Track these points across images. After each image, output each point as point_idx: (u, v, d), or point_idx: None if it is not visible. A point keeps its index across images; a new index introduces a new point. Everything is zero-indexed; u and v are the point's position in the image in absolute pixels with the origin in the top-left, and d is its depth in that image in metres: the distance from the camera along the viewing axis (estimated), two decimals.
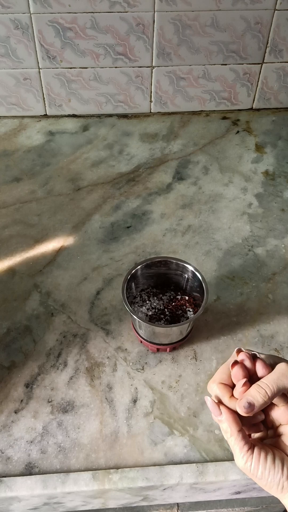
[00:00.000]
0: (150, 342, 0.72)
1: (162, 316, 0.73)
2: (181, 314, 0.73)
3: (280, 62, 1.08)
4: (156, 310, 0.74)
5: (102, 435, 0.67)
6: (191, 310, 0.74)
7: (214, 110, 1.16)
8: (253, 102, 1.15)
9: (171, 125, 1.13)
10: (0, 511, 0.68)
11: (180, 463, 0.65)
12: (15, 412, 0.69)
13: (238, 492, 0.70)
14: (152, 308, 0.74)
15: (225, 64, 1.07)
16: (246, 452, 0.47)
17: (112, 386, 0.71)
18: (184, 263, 0.73)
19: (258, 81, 1.11)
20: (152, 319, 0.73)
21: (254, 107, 1.16)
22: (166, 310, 0.74)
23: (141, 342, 0.74)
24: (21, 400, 0.70)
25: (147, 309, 0.74)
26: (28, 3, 0.93)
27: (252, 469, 0.47)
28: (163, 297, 0.76)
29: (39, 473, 0.64)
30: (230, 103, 1.15)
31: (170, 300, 0.75)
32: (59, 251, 0.88)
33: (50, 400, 0.70)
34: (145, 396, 0.70)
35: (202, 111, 1.16)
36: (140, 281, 0.75)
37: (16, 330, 0.77)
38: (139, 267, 0.73)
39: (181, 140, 1.09)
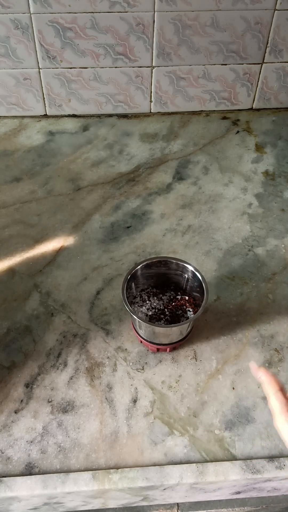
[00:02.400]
0: (150, 342, 0.72)
1: (162, 316, 0.73)
2: (181, 314, 0.73)
3: (280, 62, 1.08)
4: (156, 310, 0.74)
5: (102, 435, 0.67)
6: (191, 310, 0.74)
7: (214, 110, 1.16)
8: (253, 102, 1.15)
9: (171, 125, 1.13)
10: (0, 511, 0.68)
11: (180, 463, 0.65)
12: (15, 412, 0.69)
13: (238, 492, 0.70)
14: (152, 308, 0.74)
15: (225, 64, 1.07)
16: (286, 412, 0.46)
17: (112, 386, 0.71)
18: (184, 263, 0.73)
19: (258, 81, 1.11)
20: (152, 319, 0.73)
21: (254, 107, 1.16)
22: (166, 310, 0.74)
23: (141, 342, 0.74)
24: (21, 400, 0.70)
25: (147, 309, 0.74)
26: (28, 3, 0.93)
27: None
28: (163, 297, 0.76)
29: (39, 473, 0.64)
30: (230, 103, 1.15)
31: (170, 300, 0.75)
32: (59, 251, 0.88)
33: (50, 400, 0.70)
34: (145, 396, 0.70)
35: (202, 111, 1.16)
36: (140, 281, 0.75)
37: (16, 330, 0.77)
38: (139, 267, 0.73)
39: (181, 140, 1.09)
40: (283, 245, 0.89)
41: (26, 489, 0.62)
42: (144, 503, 0.72)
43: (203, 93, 1.12)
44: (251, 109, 1.16)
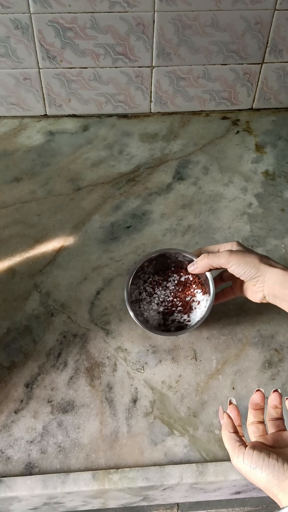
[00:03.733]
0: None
1: (174, 308, 0.72)
2: (191, 300, 0.72)
3: (280, 62, 1.08)
4: (167, 303, 0.73)
5: (102, 435, 0.67)
6: (199, 291, 0.73)
7: (214, 110, 1.16)
8: (253, 102, 1.15)
9: (171, 125, 1.13)
10: (0, 511, 0.68)
11: (180, 463, 0.65)
12: (15, 412, 0.69)
13: (238, 492, 0.70)
14: (162, 302, 0.73)
15: (225, 64, 1.07)
16: (239, 448, 0.52)
17: (112, 386, 0.71)
18: (185, 253, 0.73)
19: (258, 81, 1.11)
20: (166, 314, 0.72)
21: (254, 107, 1.16)
22: (175, 300, 0.73)
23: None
24: (21, 400, 0.70)
25: (157, 304, 0.73)
26: (28, 3, 0.93)
27: (245, 463, 0.50)
28: (167, 284, 0.74)
29: (39, 473, 0.64)
30: (230, 103, 1.15)
31: (176, 286, 0.74)
32: (59, 251, 0.88)
33: (50, 400, 0.70)
34: (145, 396, 0.70)
35: (202, 111, 1.16)
36: (141, 278, 0.75)
37: (16, 330, 0.77)
38: (137, 267, 0.72)
39: (181, 140, 1.09)
40: (283, 245, 0.89)
41: (26, 489, 0.62)
42: (144, 503, 0.72)
43: (203, 93, 1.12)
44: (251, 109, 1.16)
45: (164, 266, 0.76)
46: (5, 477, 0.63)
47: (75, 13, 0.95)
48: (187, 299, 0.73)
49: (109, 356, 0.74)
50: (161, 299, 0.73)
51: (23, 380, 0.72)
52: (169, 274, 0.76)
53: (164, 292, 0.74)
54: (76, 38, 0.99)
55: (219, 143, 1.09)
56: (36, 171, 1.02)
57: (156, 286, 0.75)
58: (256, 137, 1.10)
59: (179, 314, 0.72)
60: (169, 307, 0.72)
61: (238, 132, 1.11)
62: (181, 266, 0.75)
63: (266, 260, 0.65)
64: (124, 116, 1.14)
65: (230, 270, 0.65)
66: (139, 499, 0.70)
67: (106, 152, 1.06)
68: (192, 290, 0.73)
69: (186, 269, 0.75)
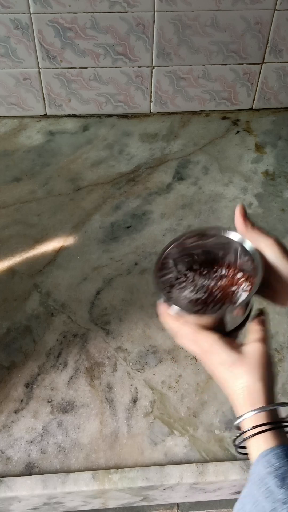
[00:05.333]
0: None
1: (211, 299, 0.59)
2: (233, 292, 0.59)
3: (280, 62, 1.08)
4: (203, 294, 0.60)
5: (102, 435, 0.67)
6: (246, 284, 0.59)
7: (214, 110, 1.16)
8: (253, 102, 1.15)
9: (171, 125, 1.13)
10: (0, 511, 0.68)
11: (180, 463, 0.65)
12: (15, 412, 0.69)
13: (238, 492, 0.70)
14: (197, 291, 0.60)
15: (225, 64, 1.07)
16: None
17: (112, 386, 0.71)
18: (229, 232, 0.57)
19: (258, 81, 1.11)
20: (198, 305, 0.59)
21: (254, 107, 1.16)
22: (215, 292, 0.60)
23: None
24: (21, 400, 0.70)
25: (191, 291, 0.59)
26: (28, 3, 0.93)
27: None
28: (211, 275, 0.61)
29: (39, 473, 0.64)
30: (230, 103, 1.15)
31: (218, 280, 0.60)
32: (59, 251, 0.88)
33: (50, 400, 0.70)
34: (145, 396, 0.70)
35: (202, 111, 1.16)
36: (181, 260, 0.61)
37: (16, 330, 0.77)
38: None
39: (181, 140, 1.09)
40: None
41: (26, 489, 0.62)
42: (144, 503, 0.72)
43: (203, 93, 1.12)
44: (251, 109, 1.16)
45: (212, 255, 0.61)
46: (5, 477, 0.63)
47: (75, 13, 0.95)
48: (228, 291, 0.59)
49: (109, 356, 0.74)
50: (197, 288, 0.60)
51: (23, 380, 0.72)
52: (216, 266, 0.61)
53: (203, 282, 0.60)
54: (76, 38, 0.99)
55: (219, 143, 1.09)
56: (36, 171, 1.02)
57: (197, 274, 0.61)
58: (256, 137, 1.10)
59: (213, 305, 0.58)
60: (205, 299, 0.59)
61: (238, 132, 1.11)
62: (230, 261, 0.61)
63: None
64: (124, 116, 1.14)
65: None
66: (139, 499, 0.70)
67: (106, 152, 1.06)
68: (236, 286, 0.59)
69: (234, 266, 0.60)
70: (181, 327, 0.53)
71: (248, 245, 0.56)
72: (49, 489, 0.62)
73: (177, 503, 0.83)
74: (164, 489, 0.66)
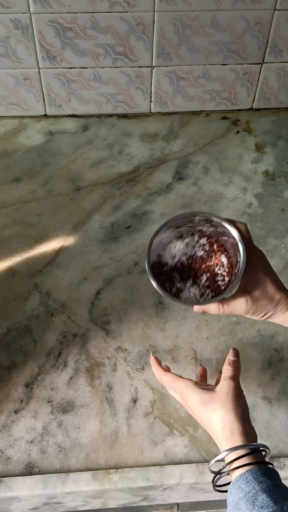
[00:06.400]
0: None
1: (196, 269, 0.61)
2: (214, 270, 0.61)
3: (280, 62, 1.08)
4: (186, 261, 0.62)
5: (102, 435, 0.67)
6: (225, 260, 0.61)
7: (214, 110, 1.16)
8: (253, 102, 1.15)
9: (171, 125, 1.13)
10: (0, 511, 0.68)
11: (180, 463, 0.65)
12: (15, 412, 0.69)
13: None
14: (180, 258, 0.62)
15: (225, 64, 1.07)
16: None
17: (112, 386, 0.71)
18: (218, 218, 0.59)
19: (258, 81, 1.11)
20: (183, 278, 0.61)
21: (254, 107, 1.16)
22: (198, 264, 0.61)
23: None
24: (21, 400, 0.70)
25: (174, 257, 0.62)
26: (28, 3, 0.93)
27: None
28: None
29: (39, 473, 0.64)
30: (230, 103, 1.15)
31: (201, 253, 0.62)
32: (59, 251, 0.88)
33: (50, 400, 0.70)
34: (145, 396, 0.70)
35: (202, 111, 1.16)
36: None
37: (16, 330, 0.77)
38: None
39: (181, 140, 1.09)
40: (283, 245, 0.89)
41: (26, 489, 0.62)
42: (144, 503, 0.72)
43: (203, 93, 1.12)
44: (251, 109, 1.16)
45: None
46: (5, 477, 0.63)
47: (75, 13, 0.95)
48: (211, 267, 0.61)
49: (109, 356, 0.74)
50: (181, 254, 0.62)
51: (23, 380, 0.72)
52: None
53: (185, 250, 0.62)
54: (76, 38, 0.99)
55: (219, 143, 1.09)
56: (36, 171, 1.02)
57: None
58: (256, 137, 1.10)
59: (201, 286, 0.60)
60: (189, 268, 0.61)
61: (238, 132, 1.11)
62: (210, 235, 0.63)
63: (279, 296, 0.58)
64: (124, 116, 1.14)
65: (246, 316, 0.59)
66: (139, 499, 0.70)
67: (106, 152, 1.06)
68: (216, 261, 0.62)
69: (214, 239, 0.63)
70: (162, 376, 0.61)
71: (233, 231, 0.58)
72: (49, 489, 0.62)
73: (177, 503, 0.83)
74: (164, 489, 0.66)
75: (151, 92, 1.10)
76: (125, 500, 0.70)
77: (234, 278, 0.58)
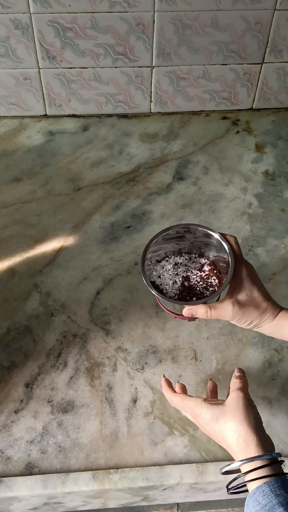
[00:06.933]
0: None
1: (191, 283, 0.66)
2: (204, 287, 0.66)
3: (280, 62, 1.08)
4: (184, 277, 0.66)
5: (102, 435, 0.67)
6: (215, 279, 0.66)
7: (214, 110, 1.16)
8: (253, 102, 1.15)
9: (171, 125, 1.13)
10: (0, 511, 0.68)
11: (180, 463, 0.65)
12: (15, 412, 0.69)
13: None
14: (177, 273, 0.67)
15: (225, 64, 1.07)
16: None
17: (112, 386, 0.71)
18: (208, 230, 0.65)
19: (258, 81, 1.11)
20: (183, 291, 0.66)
21: (254, 107, 1.16)
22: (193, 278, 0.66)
23: (175, 317, 0.67)
24: (21, 400, 0.70)
25: (171, 270, 0.67)
26: (28, 3, 0.93)
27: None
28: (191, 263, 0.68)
29: (39, 473, 0.64)
30: (230, 103, 1.15)
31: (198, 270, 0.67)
32: (59, 251, 0.88)
33: (50, 400, 0.70)
34: (145, 396, 0.70)
35: (202, 111, 1.16)
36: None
37: (16, 330, 0.77)
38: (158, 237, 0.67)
39: (181, 140, 1.09)
40: (283, 245, 0.89)
41: (26, 489, 0.62)
42: (144, 503, 0.72)
43: (203, 93, 1.12)
44: (251, 109, 1.16)
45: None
46: (5, 477, 0.63)
47: (75, 13, 0.95)
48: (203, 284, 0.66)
49: (109, 356, 0.74)
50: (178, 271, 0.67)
51: (23, 380, 0.72)
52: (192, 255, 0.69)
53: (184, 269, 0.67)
54: (76, 38, 0.99)
55: (219, 143, 1.09)
56: (36, 171, 1.02)
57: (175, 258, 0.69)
58: (256, 137, 1.10)
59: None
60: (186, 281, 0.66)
61: (238, 132, 1.11)
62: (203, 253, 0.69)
63: (266, 305, 0.60)
64: (124, 116, 1.14)
65: (233, 322, 0.61)
66: (139, 499, 0.70)
67: (106, 152, 1.06)
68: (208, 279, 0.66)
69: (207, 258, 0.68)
70: (172, 398, 0.61)
71: (225, 245, 0.63)
72: (49, 489, 0.62)
73: (177, 503, 0.83)
74: (164, 489, 0.66)
75: (151, 92, 1.10)
76: (125, 500, 0.70)
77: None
